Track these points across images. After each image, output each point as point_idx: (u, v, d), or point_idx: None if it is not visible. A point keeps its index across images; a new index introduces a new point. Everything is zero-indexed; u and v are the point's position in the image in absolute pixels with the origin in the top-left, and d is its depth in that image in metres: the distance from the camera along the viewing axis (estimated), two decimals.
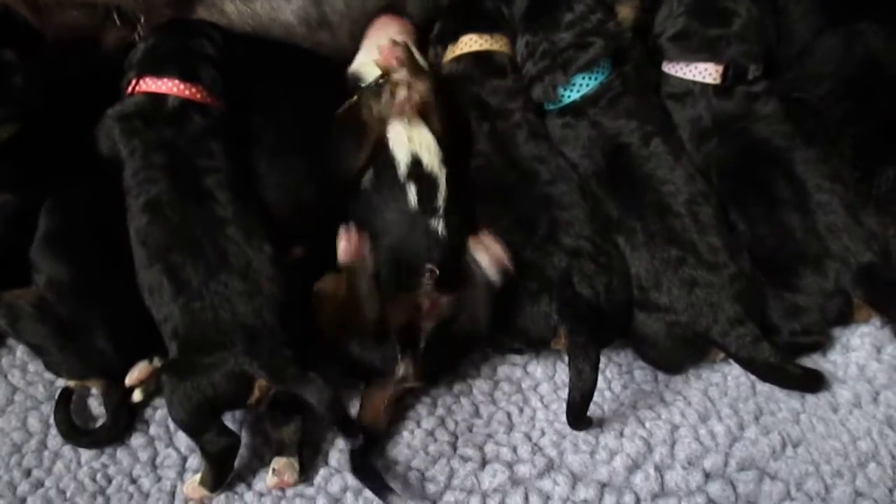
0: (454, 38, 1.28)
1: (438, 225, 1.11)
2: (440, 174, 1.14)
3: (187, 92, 1.14)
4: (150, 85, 1.14)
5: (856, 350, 1.15)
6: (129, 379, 1.09)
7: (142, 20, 1.20)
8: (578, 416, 1.04)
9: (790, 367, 1.10)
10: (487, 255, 1.06)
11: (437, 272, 1.07)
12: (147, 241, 1.06)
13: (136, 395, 1.10)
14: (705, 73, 1.23)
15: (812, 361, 1.15)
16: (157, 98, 1.13)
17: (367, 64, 1.23)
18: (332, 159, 1.18)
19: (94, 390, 1.12)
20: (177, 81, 1.14)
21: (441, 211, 1.12)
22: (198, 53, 1.17)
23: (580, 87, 1.22)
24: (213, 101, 1.16)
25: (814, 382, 1.11)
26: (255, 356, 0.99)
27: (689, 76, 1.24)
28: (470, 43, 1.27)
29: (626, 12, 1.32)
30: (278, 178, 1.16)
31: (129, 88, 1.15)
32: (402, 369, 1.06)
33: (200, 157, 1.11)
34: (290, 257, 1.11)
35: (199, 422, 1.00)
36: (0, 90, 1.12)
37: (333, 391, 0.98)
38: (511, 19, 1.29)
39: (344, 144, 1.18)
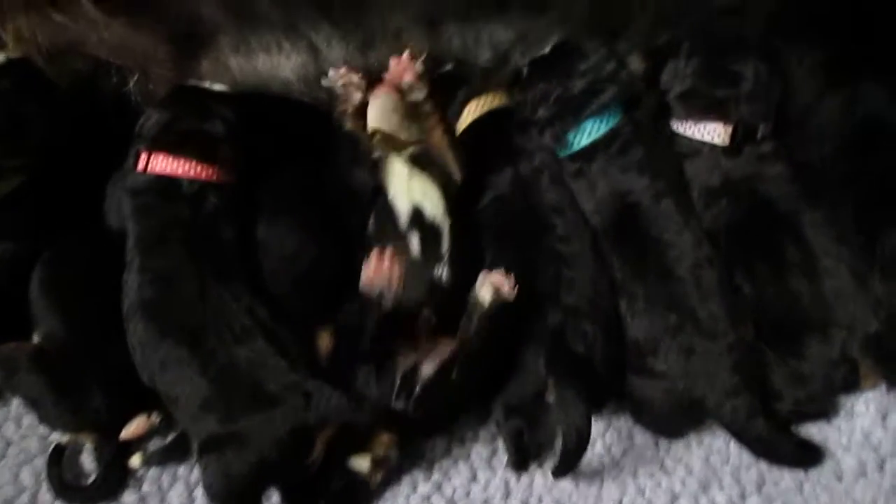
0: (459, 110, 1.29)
1: (442, 273, 1.10)
2: (444, 224, 1.14)
3: (204, 174, 1.12)
4: (165, 165, 1.12)
5: (861, 416, 1.13)
6: (126, 433, 1.08)
7: (136, 76, 1.19)
8: (567, 468, 1.04)
9: (783, 443, 1.08)
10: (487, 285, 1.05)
11: (434, 319, 1.06)
12: (157, 314, 1.04)
13: (135, 461, 1.08)
14: (714, 133, 1.21)
15: (816, 427, 1.13)
16: (172, 178, 1.12)
17: None
18: (344, 178, 1.19)
19: (87, 445, 1.11)
20: (193, 163, 1.12)
21: (445, 259, 1.11)
22: (213, 135, 1.15)
23: (590, 132, 1.21)
24: (227, 178, 1.15)
25: (808, 460, 1.09)
26: (315, 405, 0.98)
27: (697, 136, 1.23)
28: (478, 105, 1.28)
29: (634, 65, 1.31)
30: (275, 247, 1.14)
31: (142, 165, 1.13)
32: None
33: (216, 231, 1.11)
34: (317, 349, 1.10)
35: (255, 497, 0.98)
36: (21, 141, 1.13)
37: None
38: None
39: (345, 158, 1.20)
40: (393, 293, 0.96)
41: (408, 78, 1.19)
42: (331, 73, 1.20)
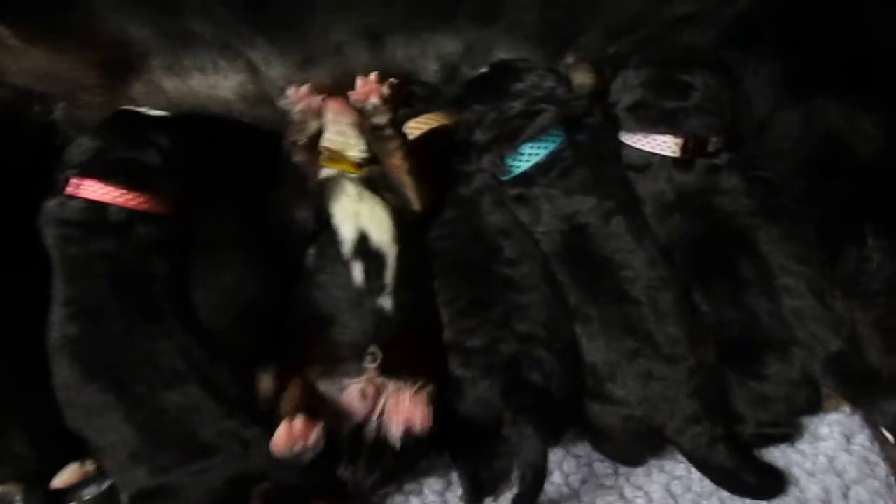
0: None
1: (386, 303, 1.06)
2: (390, 251, 1.09)
3: (133, 202, 1.07)
4: (94, 191, 1.06)
5: (825, 440, 1.10)
6: (58, 481, 1.03)
7: (62, 103, 1.14)
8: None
9: (746, 472, 1.04)
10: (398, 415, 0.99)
11: (380, 355, 1.01)
12: (82, 353, 0.99)
13: None
14: (664, 144, 1.17)
15: (780, 451, 1.10)
16: (101, 206, 1.06)
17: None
18: (286, 214, 1.15)
19: (17, 498, 1.05)
20: (123, 190, 1.06)
21: (390, 288, 1.07)
22: (146, 165, 1.09)
23: (529, 157, 1.16)
24: (161, 209, 1.09)
25: (770, 491, 1.05)
26: (253, 455, 0.93)
27: (647, 147, 1.18)
28: (418, 125, 1.22)
29: (582, 77, 1.27)
30: (213, 280, 1.09)
31: (70, 189, 1.07)
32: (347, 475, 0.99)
33: (145, 265, 1.06)
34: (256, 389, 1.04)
35: None
36: None
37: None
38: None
39: (289, 192, 1.15)
40: (309, 454, 0.91)
41: (374, 100, 1.14)
42: (289, 92, 1.15)
